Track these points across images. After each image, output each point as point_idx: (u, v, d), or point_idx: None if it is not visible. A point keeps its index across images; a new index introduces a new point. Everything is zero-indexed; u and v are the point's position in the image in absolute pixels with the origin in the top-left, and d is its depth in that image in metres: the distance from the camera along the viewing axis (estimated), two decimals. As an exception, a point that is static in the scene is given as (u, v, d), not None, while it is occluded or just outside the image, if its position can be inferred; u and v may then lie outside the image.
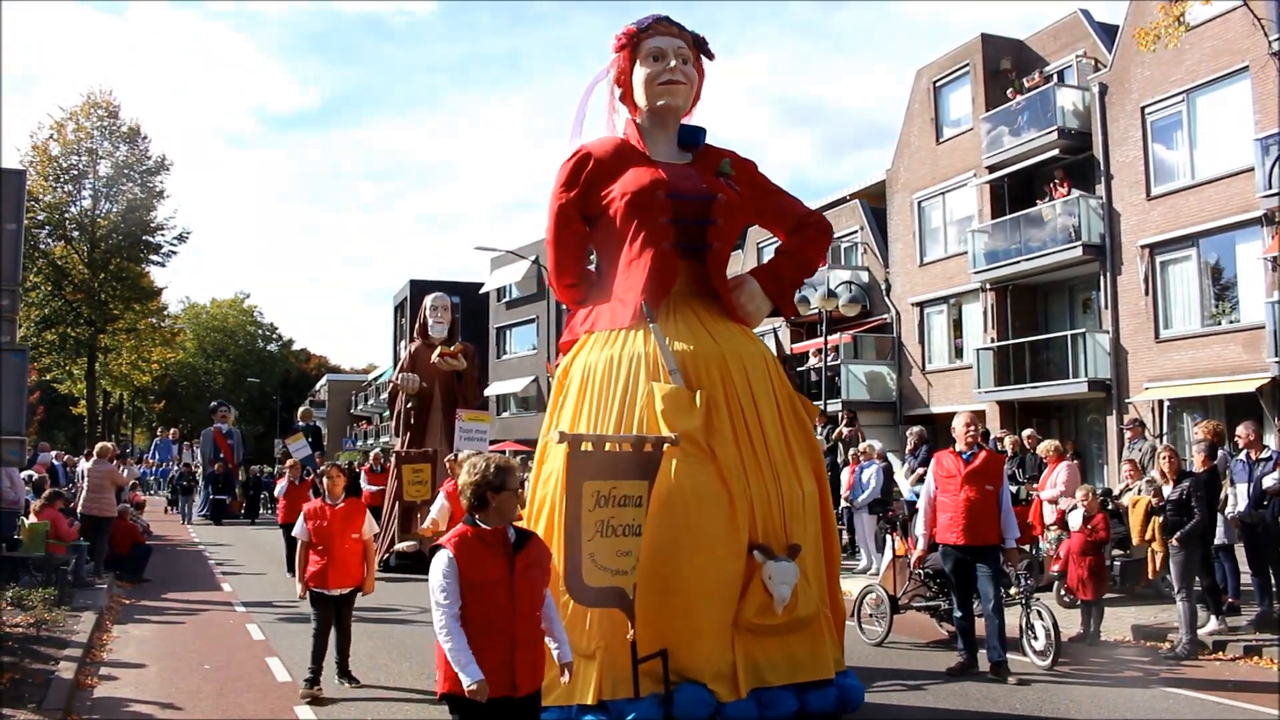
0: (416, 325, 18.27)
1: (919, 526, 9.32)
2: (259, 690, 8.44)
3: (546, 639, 4.76)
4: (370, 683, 8.47)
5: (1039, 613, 9.04)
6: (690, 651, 6.55)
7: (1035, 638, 9.01)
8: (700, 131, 8.19)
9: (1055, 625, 8.95)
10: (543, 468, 7.28)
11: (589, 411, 7.21)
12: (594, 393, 7.25)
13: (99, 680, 8.79)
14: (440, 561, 4.48)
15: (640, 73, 7.94)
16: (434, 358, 17.17)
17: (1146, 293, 21.52)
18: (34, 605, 10.82)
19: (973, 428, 9.09)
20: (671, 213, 7.48)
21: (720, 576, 6.69)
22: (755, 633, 6.72)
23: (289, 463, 16.43)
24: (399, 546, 15.32)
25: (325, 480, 8.56)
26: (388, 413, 65.98)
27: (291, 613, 12.18)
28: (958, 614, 8.95)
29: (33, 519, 13.39)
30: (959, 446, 9.04)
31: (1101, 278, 22.67)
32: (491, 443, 19.24)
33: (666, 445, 6.69)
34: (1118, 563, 12.06)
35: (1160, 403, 21.12)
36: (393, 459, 17.13)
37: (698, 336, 7.38)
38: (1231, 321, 20.22)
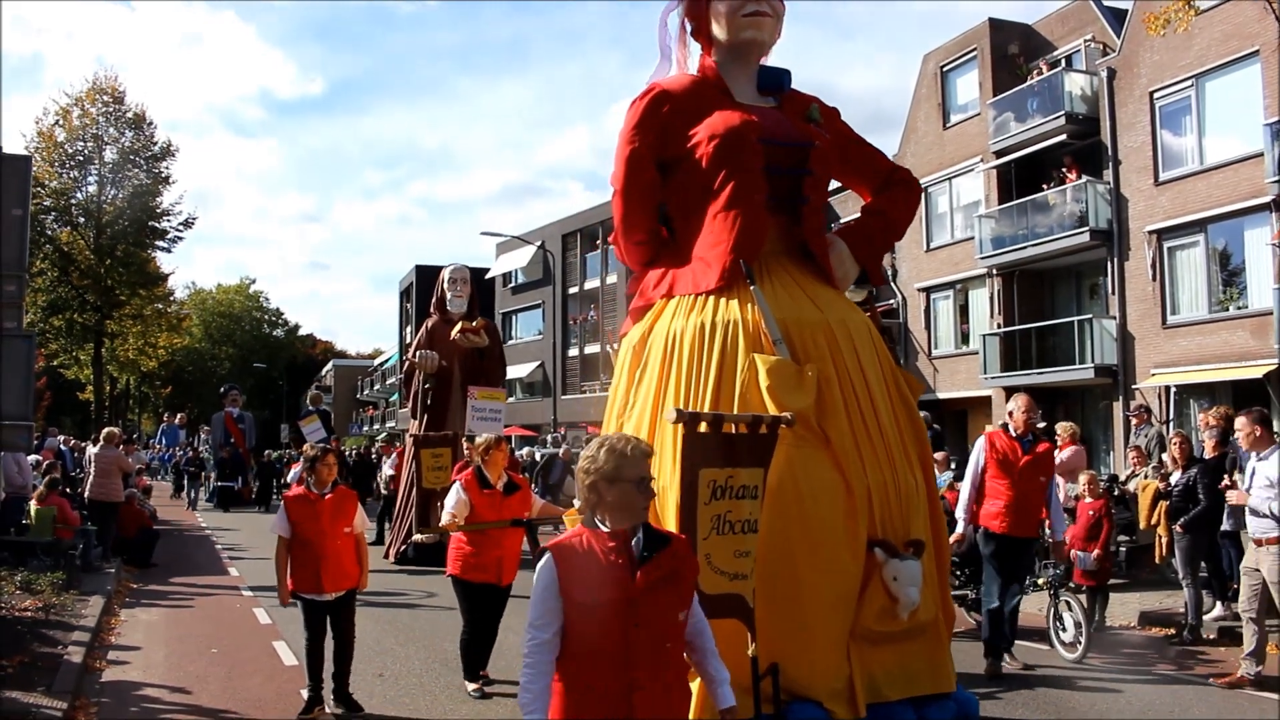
0: (434, 299, 17.24)
1: (960, 509, 8.64)
2: (266, 674, 8.47)
3: (701, 676, 3.78)
4: (377, 669, 8.49)
5: (1067, 604, 8.87)
6: (804, 665, 5.71)
7: (1064, 629, 8.85)
8: (785, 73, 7.13)
9: (1086, 617, 8.83)
10: None
11: (676, 387, 6.24)
12: (682, 365, 6.28)
13: (107, 664, 8.83)
14: (539, 570, 3.50)
15: (721, 3, 6.88)
16: (454, 334, 16.18)
17: (1154, 279, 21.46)
18: (42, 589, 10.87)
19: (1032, 414, 8.49)
20: (764, 161, 6.53)
21: (838, 579, 5.87)
22: (872, 641, 5.96)
23: (305, 447, 16.03)
24: (417, 538, 14.20)
25: (316, 466, 7.41)
26: (395, 397, 66.34)
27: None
28: (994, 603, 8.32)
29: (35, 505, 13.43)
30: (1015, 430, 8.43)
31: (1109, 263, 22.61)
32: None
33: (781, 427, 5.74)
34: (1124, 549, 12.06)
35: (1167, 389, 21.09)
36: (409, 442, 15.84)
37: (798, 303, 6.43)
38: (1239, 307, 20.16)
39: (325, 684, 7.15)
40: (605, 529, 3.52)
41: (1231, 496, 8.48)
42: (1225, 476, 9.34)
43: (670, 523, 5.61)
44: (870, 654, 5.93)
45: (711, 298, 6.41)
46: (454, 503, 7.77)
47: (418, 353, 16.20)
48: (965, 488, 8.63)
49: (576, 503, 6.57)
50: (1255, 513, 7.66)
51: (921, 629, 6.10)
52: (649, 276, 6.98)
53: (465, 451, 11.51)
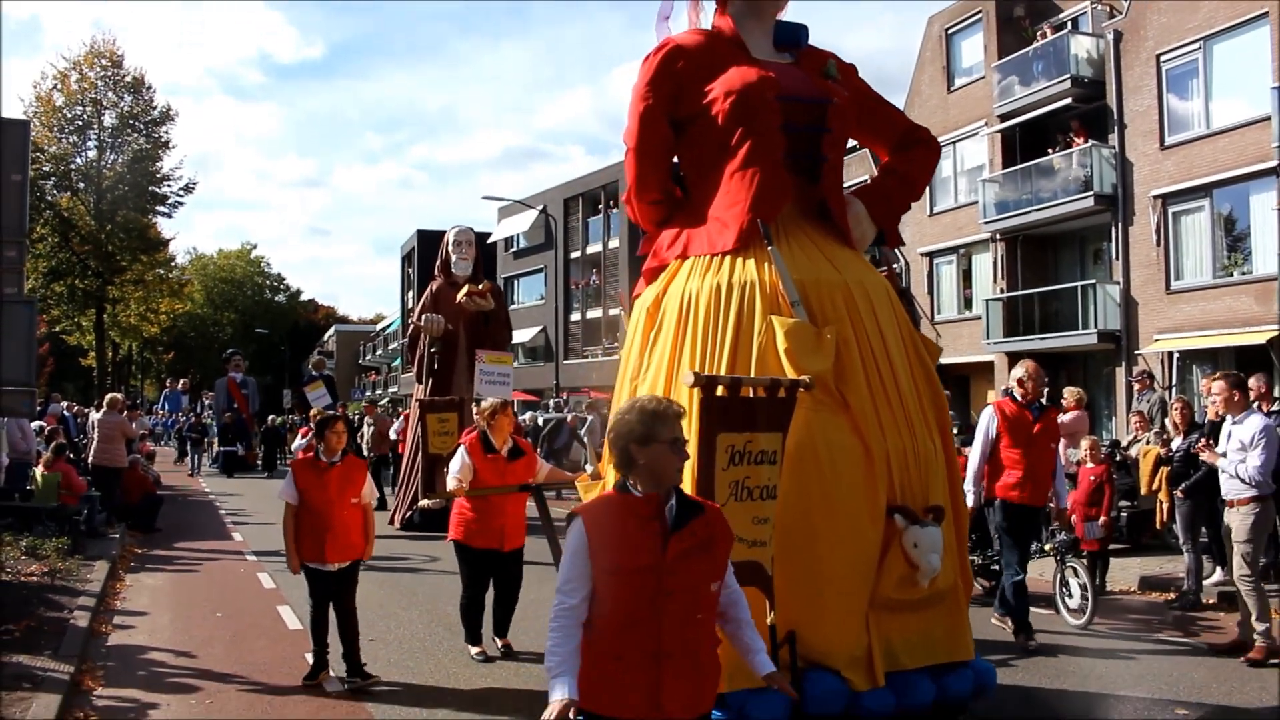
0: (438, 262, 16.86)
1: (971, 479, 8.26)
2: (270, 638, 8.52)
3: (736, 647, 3.66)
4: (380, 633, 8.53)
5: (1073, 570, 8.88)
6: (821, 633, 5.56)
7: (1070, 595, 8.87)
8: (802, 29, 6.94)
9: (1091, 582, 8.85)
10: None
11: (692, 349, 6.06)
12: (697, 327, 6.09)
13: (113, 628, 8.89)
14: (569, 533, 3.39)
15: None
16: (460, 297, 15.80)
17: (1158, 244, 21.38)
18: (48, 555, 10.92)
19: (1041, 380, 8.32)
20: (782, 118, 6.33)
21: (858, 546, 5.69)
22: (890, 609, 5.80)
23: (313, 412, 15.67)
24: (423, 503, 13.51)
25: (325, 433, 7.21)
26: (397, 362, 66.37)
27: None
28: (1019, 575, 8.13)
29: (41, 470, 13.48)
30: (1023, 398, 8.24)
31: (1113, 229, 22.52)
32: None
33: (799, 391, 5.59)
34: (1125, 514, 12.09)
35: (1170, 355, 21.07)
36: (414, 407, 15.60)
37: (816, 263, 6.23)
38: (1244, 273, 20.09)
39: (331, 650, 7.14)
40: (637, 493, 3.39)
41: (1205, 456, 8.45)
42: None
43: (686, 488, 5.50)
44: (888, 622, 5.79)
45: (728, 258, 6.22)
46: (458, 467, 7.66)
47: (423, 316, 15.89)
48: (975, 458, 8.36)
49: (588, 468, 6.54)
50: (1225, 473, 7.79)
51: (940, 597, 5.96)
52: (662, 237, 6.78)
53: (475, 416, 11.65)
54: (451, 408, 14.30)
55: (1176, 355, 21.04)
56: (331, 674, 7.14)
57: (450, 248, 16.62)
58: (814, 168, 6.50)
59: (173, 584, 11.18)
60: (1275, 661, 7.49)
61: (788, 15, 6.89)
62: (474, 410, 11.98)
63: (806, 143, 6.44)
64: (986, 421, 8.36)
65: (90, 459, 15.23)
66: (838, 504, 5.68)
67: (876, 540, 5.74)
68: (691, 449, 5.24)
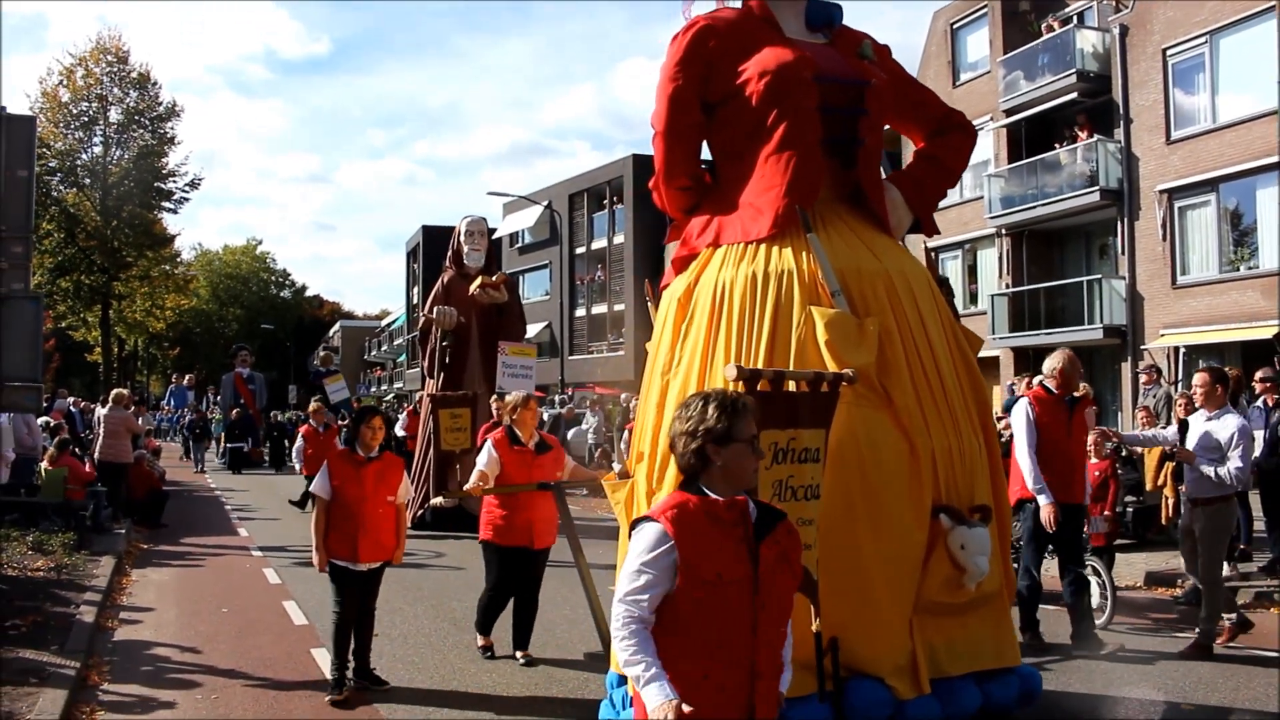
0: (449, 253, 16.28)
1: (1032, 480, 7.61)
2: (276, 633, 8.54)
3: None
4: (385, 629, 8.51)
5: (1093, 568, 8.67)
6: (865, 640, 5.26)
7: (1089, 594, 8.61)
8: (836, 9, 6.63)
9: (1110, 581, 8.72)
10: (664, 410, 5.83)
11: (726, 341, 5.72)
12: (732, 319, 5.76)
13: (119, 623, 8.91)
14: (648, 537, 3.04)
15: None
16: (473, 289, 15.24)
17: (1164, 238, 21.33)
18: (54, 550, 10.94)
19: (1076, 371, 7.88)
20: (819, 100, 6.04)
21: (902, 547, 5.43)
22: (934, 613, 5.54)
23: (312, 408, 15.20)
24: (435, 501, 12.46)
25: (360, 427, 6.93)
26: (403, 357, 66.32)
27: (307, 557, 12.26)
28: (1034, 579, 7.77)
29: (46, 466, 13.50)
30: (1054, 388, 7.78)
31: (1119, 223, 22.47)
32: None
33: (842, 385, 5.31)
34: (1130, 509, 12.06)
35: (1176, 349, 21.02)
36: (425, 402, 15.18)
37: (855, 251, 5.95)
38: (1250, 268, 20.05)
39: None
40: (717, 497, 3.09)
41: (1177, 454, 8.19)
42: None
43: None
44: (931, 626, 5.52)
45: (763, 246, 5.91)
46: (485, 461, 7.49)
47: (435, 308, 15.25)
48: (1026, 456, 7.67)
49: (616, 466, 6.34)
50: (1197, 472, 7.61)
51: (985, 600, 5.68)
52: (692, 225, 6.44)
53: (495, 411, 10.94)
54: (464, 403, 14.18)
55: (1183, 350, 20.99)
56: (353, 689, 6.82)
57: (462, 237, 16.08)
58: (850, 151, 6.22)
59: (178, 579, 11.20)
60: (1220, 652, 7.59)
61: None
62: (492, 405, 11.59)
63: (843, 125, 6.16)
64: (1024, 414, 7.78)
65: (96, 454, 15.25)
66: (881, 504, 5.43)
67: (922, 542, 5.50)
68: None
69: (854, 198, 6.27)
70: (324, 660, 7.54)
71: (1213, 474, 7.48)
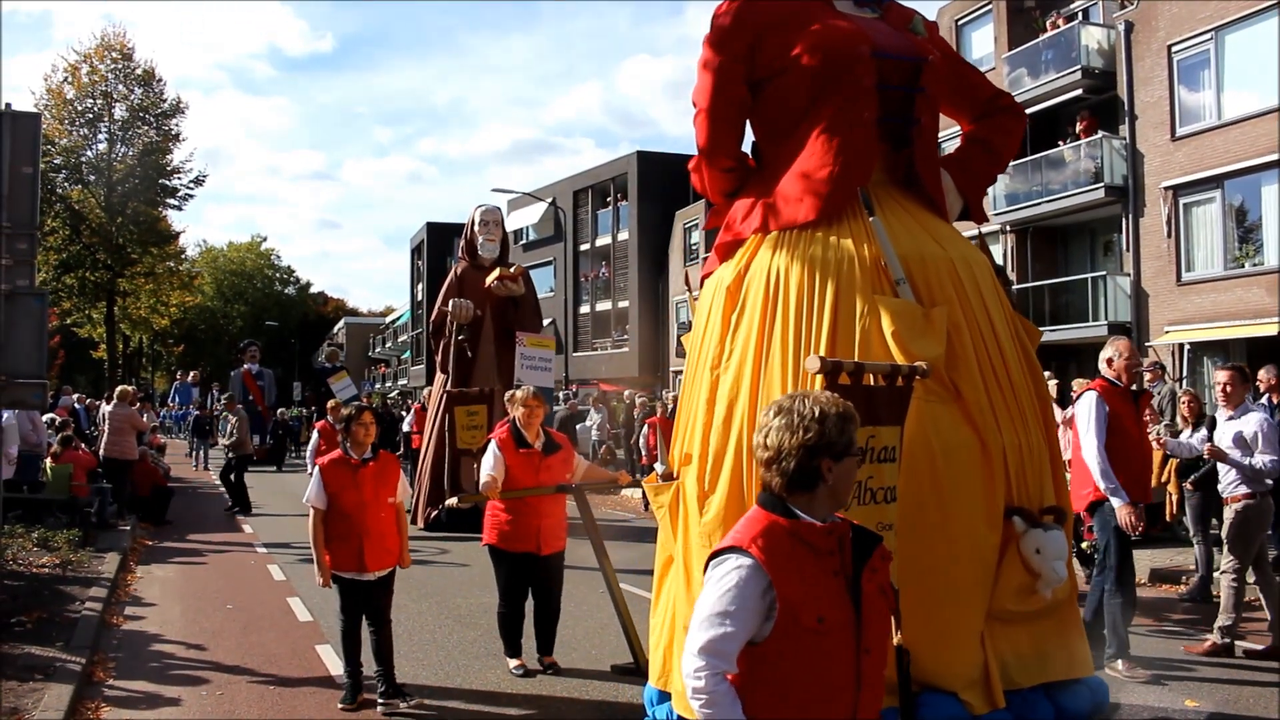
0: (462, 243, 15.82)
1: (1104, 478, 6.91)
2: (281, 630, 8.55)
3: None
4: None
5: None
6: (938, 651, 4.90)
7: None
8: None
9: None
10: (714, 408, 5.46)
11: (783, 332, 5.31)
12: (788, 309, 5.35)
13: (124, 619, 8.94)
14: (736, 572, 2.56)
15: None
16: (490, 280, 14.68)
17: (1169, 235, 21.28)
18: (59, 546, 10.97)
19: (1135, 360, 7.34)
20: (876, 76, 5.68)
21: (975, 552, 5.09)
22: (1005, 621, 5.19)
23: (331, 404, 14.61)
24: (451, 502, 12.91)
25: (352, 426, 6.53)
26: (407, 354, 66.22)
27: (312, 554, 12.29)
28: (1126, 594, 7.07)
29: (50, 462, 13.53)
30: (1114, 379, 7.19)
31: (1123, 220, 22.43)
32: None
33: (916, 379, 4.90)
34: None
35: (1180, 346, 20.99)
36: (433, 398, 14.71)
37: (917, 238, 5.57)
38: (1254, 264, 20.00)
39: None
40: (813, 520, 2.64)
41: (1205, 449, 7.98)
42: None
43: None
44: (1002, 636, 5.17)
45: (819, 231, 5.53)
46: (490, 464, 7.03)
47: (452, 301, 14.69)
48: (1096, 453, 6.95)
49: (659, 468, 5.91)
50: (1232, 470, 7.65)
51: (1055, 607, 5.31)
52: (735, 209, 6.03)
53: (506, 406, 10.70)
54: (480, 400, 13.65)
55: (1187, 347, 20.96)
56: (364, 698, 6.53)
57: (476, 227, 15.60)
58: (904, 132, 5.87)
59: (183, 575, 11.23)
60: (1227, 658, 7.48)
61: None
62: (506, 401, 11.10)
63: (899, 103, 5.81)
64: (1096, 407, 7.04)
65: (101, 451, 15.29)
66: (953, 506, 5.08)
67: (995, 546, 5.18)
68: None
69: (906, 181, 5.91)
70: (328, 656, 7.58)
71: (1249, 464, 7.49)
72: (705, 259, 6.51)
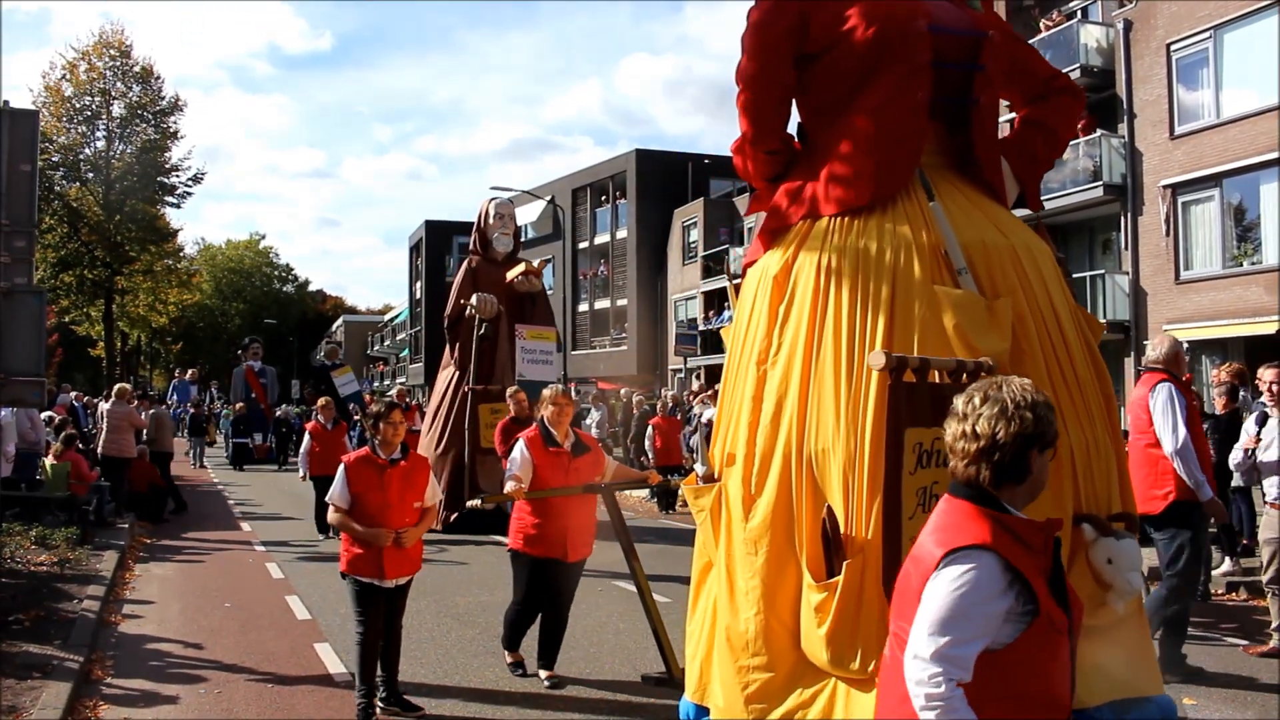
0: (474, 237, 15.20)
1: (1195, 473, 6.72)
2: (279, 628, 8.54)
3: None
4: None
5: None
6: None
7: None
8: None
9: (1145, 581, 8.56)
10: (761, 405, 5.10)
11: (835, 325, 4.95)
12: (841, 300, 4.99)
13: (122, 618, 8.93)
14: (979, 572, 2.41)
15: None
16: (513, 275, 14.16)
17: (1167, 234, 21.29)
18: (57, 544, 10.96)
19: (1183, 355, 7.12)
20: (932, 53, 5.27)
21: None
22: None
23: (320, 403, 14.40)
24: (473, 503, 12.17)
25: (380, 425, 6.17)
26: (405, 352, 66.05)
27: (310, 552, 12.32)
28: (1200, 589, 6.87)
29: (51, 460, 13.52)
30: (1177, 372, 6.95)
31: (1122, 218, 22.43)
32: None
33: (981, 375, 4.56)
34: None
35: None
36: (455, 396, 14.23)
37: (978, 225, 5.20)
38: (1253, 263, 20.01)
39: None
40: (1017, 514, 2.50)
41: (1251, 451, 7.65)
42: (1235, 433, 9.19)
43: (837, 496, 4.58)
44: None
45: (874, 218, 5.16)
46: (518, 464, 6.75)
47: (476, 295, 14.00)
48: (1186, 448, 6.73)
49: (699, 468, 5.61)
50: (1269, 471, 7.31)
51: (1123, 620, 4.91)
52: (780, 194, 5.63)
53: (511, 405, 10.36)
54: (505, 398, 12.56)
55: (1186, 345, 20.94)
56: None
57: (491, 220, 15.07)
58: (961, 112, 5.48)
59: (182, 574, 11.22)
60: None
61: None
62: (508, 398, 10.76)
63: (957, 81, 5.42)
64: (1175, 399, 6.80)
65: (99, 449, 15.28)
66: None
67: (1064, 555, 4.83)
68: (852, 446, 4.55)
69: (961, 165, 5.53)
70: (327, 655, 7.58)
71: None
72: (746, 248, 6.04)
